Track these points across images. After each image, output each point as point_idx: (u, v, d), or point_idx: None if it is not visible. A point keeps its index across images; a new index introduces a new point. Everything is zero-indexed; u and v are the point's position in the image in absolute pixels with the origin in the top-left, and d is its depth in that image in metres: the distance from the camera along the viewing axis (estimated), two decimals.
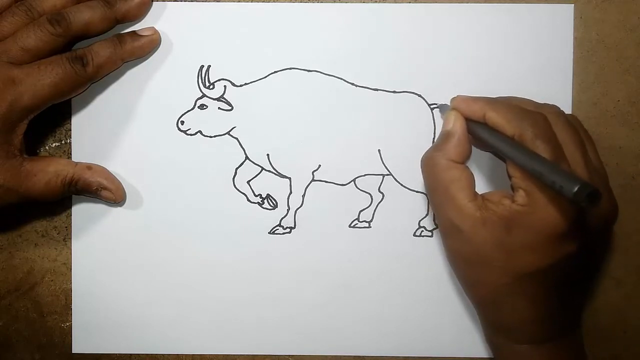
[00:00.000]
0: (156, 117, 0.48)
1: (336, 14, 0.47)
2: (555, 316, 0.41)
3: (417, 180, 0.48)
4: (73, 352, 0.49)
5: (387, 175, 0.48)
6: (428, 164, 0.42)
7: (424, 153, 0.42)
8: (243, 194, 0.48)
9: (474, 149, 0.42)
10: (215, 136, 0.48)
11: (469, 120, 0.41)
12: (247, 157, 0.48)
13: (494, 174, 0.47)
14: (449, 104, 0.44)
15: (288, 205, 0.48)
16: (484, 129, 0.40)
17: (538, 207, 0.38)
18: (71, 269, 0.48)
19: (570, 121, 0.41)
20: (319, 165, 0.48)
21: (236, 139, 0.48)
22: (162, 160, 0.48)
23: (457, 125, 0.41)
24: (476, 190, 0.40)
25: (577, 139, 0.40)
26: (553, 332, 0.42)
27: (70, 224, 0.48)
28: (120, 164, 0.48)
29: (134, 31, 0.46)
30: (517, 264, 0.39)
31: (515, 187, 0.39)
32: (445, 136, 0.41)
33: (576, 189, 0.33)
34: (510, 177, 0.39)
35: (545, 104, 0.43)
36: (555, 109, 0.42)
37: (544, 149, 0.38)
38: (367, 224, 0.48)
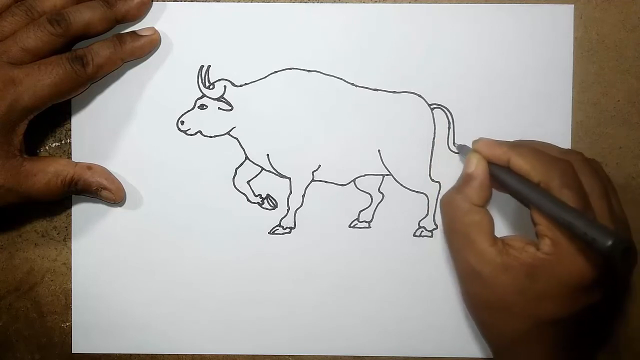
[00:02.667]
0: (156, 117, 0.48)
1: (336, 14, 0.47)
2: None
3: (417, 180, 0.48)
4: (73, 352, 0.49)
5: (387, 175, 0.48)
6: (448, 205, 0.41)
7: (444, 194, 0.42)
8: (243, 194, 0.48)
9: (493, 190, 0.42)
10: (215, 136, 0.48)
11: (491, 164, 0.41)
12: (247, 157, 0.48)
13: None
14: (469, 145, 0.44)
15: (288, 205, 0.48)
16: (507, 174, 0.40)
17: (564, 257, 0.37)
18: (71, 269, 0.48)
19: (595, 168, 0.41)
20: (319, 165, 0.48)
21: (236, 139, 0.48)
22: (162, 160, 0.48)
23: (479, 168, 0.41)
24: (495, 233, 0.40)
25: (601, 188, 0.40)
26: None
27: (70, 224, 0.48)
28: (120, 164, 0.48)
29: (134, 31, 0.46)
30: (537, 311, 0.39)
31: (541, 235, 0.38)
32: (467, 179, 0.41)
33: (610, 242, 0.33)
34: (535, 223, 0.39)
35: (569, 149, 0.42)
36: (580, 157, 0.41)
37: (571, 198, 0.37)
38: (367, 224, 0.48)
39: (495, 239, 0.40)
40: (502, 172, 0.40)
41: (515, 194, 0.40)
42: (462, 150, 0.46)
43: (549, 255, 0.38)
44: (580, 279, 0.37)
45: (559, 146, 0.43)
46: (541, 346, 0.40)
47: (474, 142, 0.42)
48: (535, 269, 0.38)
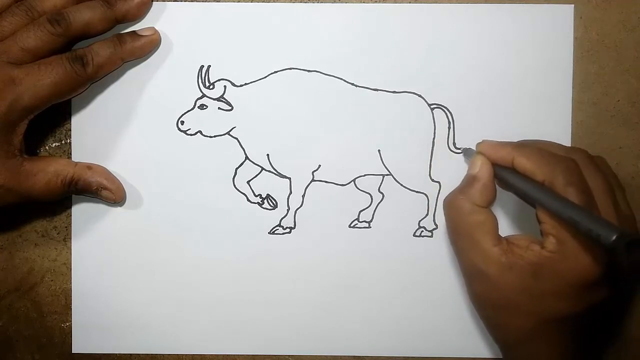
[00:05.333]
0: (156, 117, 0.48)
1: (336, 14, 0.47)
2: None
3: (417, 180, 0.48)
4: (73, 352, 0.49)
5: (387, 175, 0.48)
6: (452, 206, 0.41)
7: (447, 195, 0.42)
8: (243, 194, 0.48)
9: (498, 189, 0.42)
10: (215, 136, 0.48)
11: (495, 165, 0.41)
12: (247, 157, 0.48)
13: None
14: (473, 148, 0.44)
15: (288, 205, 0.48)
16: (512, 175, 0.40)
17: (569, 255, 0.37)
18: (71, 269, 0.48)
19: (600, 166, 0.41)
20: (319, 165, 0.48)
21: (236, 139, 0.48)
22: (162, 160, 0.48)
23: (483, 170, 0.41)
24: (499, 232, 0.40)
25: (606, 185, 0.40)
26: None
27: (70, 224, 0.48)
28: (120, 164, 0.48)
29: (134, 31, 0.46)
30: (544, 309, 0.39)
31: (545, 233, 0.38)
32: (471, 180, 0.41)
33: (614, 237, 0.33)
34: (539, 222, 0.39)
35: (573, 147, 0.42)
36: (584, 154, 0.41)
37: (575, 196, 0.37)
38: (367, 224, 0.48)
39: (499, 238, 0.40)
40: (506, 173, 0.41)
41: (520, 194, 0.40)
42: (467, 153, 0.46)
43: (553, 253, 0.38)
44: (585, 276, 0.38)
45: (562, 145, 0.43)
46: (547, 344, 0.40)
47: (478, 144, 0.42)
48: (540, 267, 0.38)
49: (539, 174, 0.39)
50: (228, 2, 0.47)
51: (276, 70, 0.47)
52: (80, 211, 0.48)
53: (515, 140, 0.43)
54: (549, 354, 0.40)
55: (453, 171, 0.47)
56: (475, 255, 0.40)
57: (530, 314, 0.39)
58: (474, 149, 0.43)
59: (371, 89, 0.47)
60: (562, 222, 0.37)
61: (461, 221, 0.41)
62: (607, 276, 0.38)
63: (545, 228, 0.38)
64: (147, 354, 0.49)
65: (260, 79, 0.47)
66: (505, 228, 0.47)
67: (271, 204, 0.48)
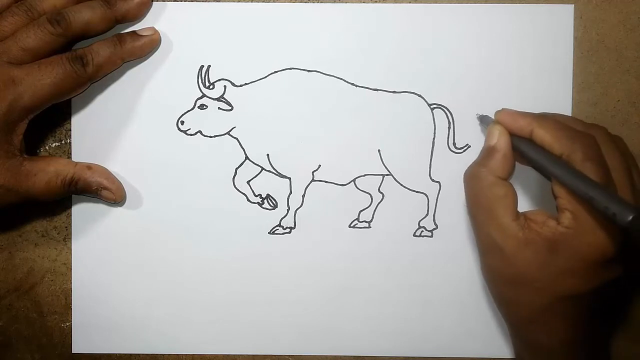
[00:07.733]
0: (156, 117, 0.48)
1: (336, 14, 0.47)
2: (594, 339, 0.41)
3: (417, 180, 0.48)
4: (73, 352, 0.49)
5: (387, 175, 0.48)
6: (473, 178, 0.41)
7: (467, 168, 0.41)
8: (243, 194, 0.48)
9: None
10: (215, 136, 0.48)
11: (513, 135, 0.40)
12: (247, 157, 0.48)
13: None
14: (490, 115, 0.43)
15: (288, 205, 0.48)
16: (529, 146, 0.39)
17: (585, 231, 0.37)
18: (71, 269, 0.48)
19: (617, 144, 0.40)
20: (319, 165, 0.48)
21: (236, 139, 0.48)
22: (162, 160, 0.48)
23: (502, 140, 0.40)
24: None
25: (623, 163, 0.39)
26: (592, 355, 0.41)
27: (70, 224, 0.48)
28: (120, 164, 0.48)
29: (134, 31, 0.46)
30: (558, 286, 0.38)
31: (561, 209, 0.38)
32: (490, 151, 0.40)
33: (631, 217, 0.32)
34: (555, 197, 0.38)
35: (593, 124, 0.42)
36: (603, 131, 0.41)
37: (593, 172, 0.37)
38: (367, 224, 0.48)
39: (517, 213, 0.39)
40: (523, 144, 0.40)
41: (536, 166, 0.40)
42: (483, 120, 0.45)
43: (569, 229, 0.37)
44: (601, 253, 0.37)
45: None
46: (560, 321, 0.40)
47: (497, 112, 0.42)
48: (556, 243, 0.38)
49: (557, 148, 0.38)
50: (228, 2, 0.47)
51: (276, 70, 0.47)
52: (80, 211, 0.48)
53: (538, 112, 0.42)
54: (560, 330, 0.40)
55: (453, 171, 0.47)
56: (493, 229, 0.39)
57: (544, 291, 0.39)
58: (492, 116, 0.42)
59: (371, 89, 0.47)
60: (579, 198, 0.36)
61: (482, 194, 0.40)
62: (623, 254, 0.38)
63: (561, 203, 0.38)
64: (147, 354, 0.49)
65: (260, 79, 0.47)
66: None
67: (271, 204, 0.48)
